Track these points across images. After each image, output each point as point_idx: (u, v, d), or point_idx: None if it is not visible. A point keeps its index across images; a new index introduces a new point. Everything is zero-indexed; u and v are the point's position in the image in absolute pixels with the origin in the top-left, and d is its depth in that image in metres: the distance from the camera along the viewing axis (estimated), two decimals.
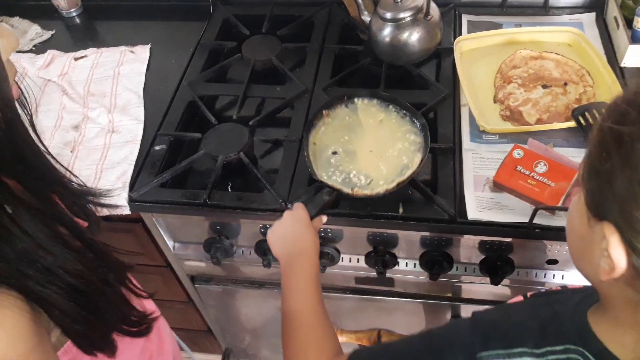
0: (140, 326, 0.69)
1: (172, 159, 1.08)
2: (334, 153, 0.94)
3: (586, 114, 0.99)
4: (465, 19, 1.26)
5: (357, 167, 0.92)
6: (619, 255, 0.45)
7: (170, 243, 1.14)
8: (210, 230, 1.07)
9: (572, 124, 1.00)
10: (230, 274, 1.20)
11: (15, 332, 0.53)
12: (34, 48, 1.36)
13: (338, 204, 0.93)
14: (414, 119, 0.97)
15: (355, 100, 1.00)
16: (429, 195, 0.93)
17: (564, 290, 0.71)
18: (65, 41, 1.38)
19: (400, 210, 0.92)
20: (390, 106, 0.99)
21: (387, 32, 1.12)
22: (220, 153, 1.02)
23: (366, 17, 1.17)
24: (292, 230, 0.82)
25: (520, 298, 0.67)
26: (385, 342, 1.14)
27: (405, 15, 1.10)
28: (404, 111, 0.98)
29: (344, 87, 1.16)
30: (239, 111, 1.11)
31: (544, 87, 1.08)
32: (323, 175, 0.92)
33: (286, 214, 0.84)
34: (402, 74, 1.16)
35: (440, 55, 1.19)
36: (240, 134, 1.06)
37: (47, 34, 1.40)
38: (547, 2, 1.25)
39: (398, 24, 1.11)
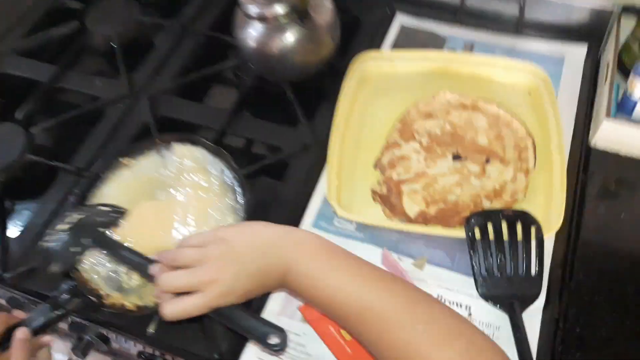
0: None
1: None
2: None
3: (489, 225, 0.63)
4: (398, 21, 0.88)
5: None
6: None
7: None
8: None
9: (460, 232, 0.64)
10: None
11: None
12: None
13: None
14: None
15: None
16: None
17: None
18: None
19: (152, 328, 0.62)
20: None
21: (253, 33, 0.76)
22: None
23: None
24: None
25: None
26: None
27: (279, 11, 0.73)
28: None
29: (186, 98, 0.82)
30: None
31: (455, 157, 0.71)
32: None
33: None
34: (274, 94, 0.81)
35: (339, 73, 0.82)
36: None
37: None
38: (522, 15, 0.84)
39: (267, 24, 0.74)
